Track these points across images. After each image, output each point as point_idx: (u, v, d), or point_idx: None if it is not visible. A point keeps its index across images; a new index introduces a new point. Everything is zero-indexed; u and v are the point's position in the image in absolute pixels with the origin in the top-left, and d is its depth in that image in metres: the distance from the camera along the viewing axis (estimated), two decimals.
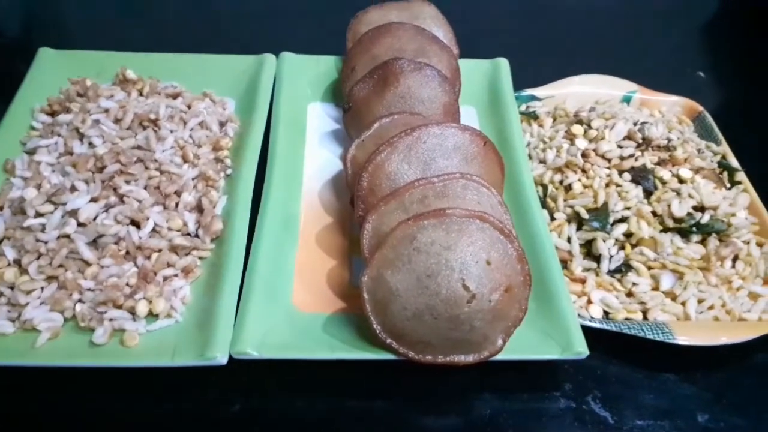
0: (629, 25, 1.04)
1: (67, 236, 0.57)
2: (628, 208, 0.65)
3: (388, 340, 0.52)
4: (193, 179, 0.65)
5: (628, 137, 0.71)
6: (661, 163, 0.69)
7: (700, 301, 0.61)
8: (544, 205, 0.66)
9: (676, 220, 0.64)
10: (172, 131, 0.68)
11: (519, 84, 0.81)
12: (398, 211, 0.55)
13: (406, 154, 0.59)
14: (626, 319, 0.59)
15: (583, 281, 0.62)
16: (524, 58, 0.88)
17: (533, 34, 1.00)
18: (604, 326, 0.57)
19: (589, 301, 0.60)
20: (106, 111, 0.69)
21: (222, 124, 0.72)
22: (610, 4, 1.09)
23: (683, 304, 0.60)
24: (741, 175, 0.72)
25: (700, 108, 0.81)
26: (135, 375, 0.54)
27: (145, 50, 0.80)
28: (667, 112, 0.80)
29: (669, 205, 0.64)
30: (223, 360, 0.51)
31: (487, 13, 1.04)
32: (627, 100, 0.81)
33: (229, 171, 0.68)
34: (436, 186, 0.56)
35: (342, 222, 0.65)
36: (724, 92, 0.92)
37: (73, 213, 0.58)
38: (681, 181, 0.67)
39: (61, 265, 0.56)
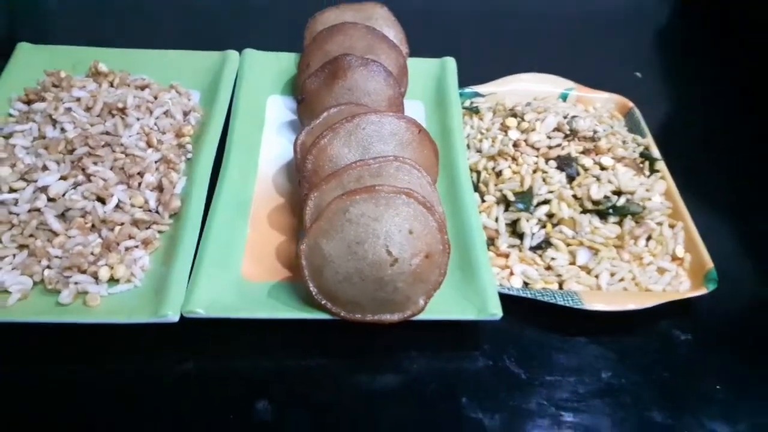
0: (578, 29, 1.11)
1: (38, 210, 0.63)
2: (551, 192, 0.71)
3: (323, 301, 0.58)
4: (156, 162, 0.71)
5: (558, 129, 0.77)
6: (585, 152, 0.75)
7: (612, 275, 0.67)
8: (476, 189, 0.73)
9: (595, 203, 0.70)
10: (138, 119, 0.74)
11: (466, 81, 0.87)
12: (337, 189, 0.62)
13: (347, 139, 0.65)
14: (543, 288, 0.66)
15: (507, 256, 0.68)
16: (474, 57, 0.95)
17: (484, 35, 1.07)
18: (521, 294, 0.63)
19: (512, 273, 0.67)
20: (78, 100, 0.75)
21: (186, 114, 0.79)
22: (567, 9, 1.17)
23: (596, 276, 0.67)
24: (660, 165, 0.78)
25: (631, 104, 0.88)
26: (97, 334, 0.59)
27: (118, 46, 0.86)
28: (600, 108, 0.87)
29: (588, 189, 0.71)
30: (174, 318, 0.57)
31: (441, 14, 1.11)
32: (564, 97, 0.88)
33: (189, 155, 0.74)
34: (372, 167, 0.62)
35: (292, 203, 0.72)
36: (657, 91, 1.00)
37: (44, 189, 0.64)
38: (602, 168, 0.74)
39: (31, 235, 0.62)
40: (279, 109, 0.83)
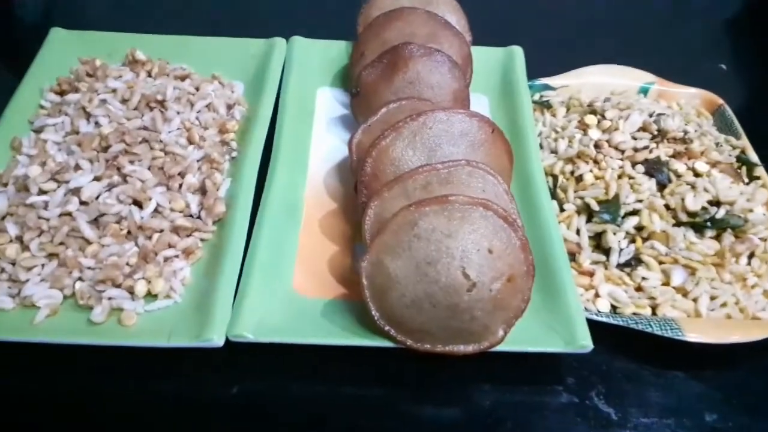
0: (651, 15, 1.01)
1: (69, 214, 0.57)
2: (640, 201, 0.63)
3: (386, 327, 0.51)
4: (197, 161, 0.65)
5: (643, 129, 0.69)
6: (676, 155, 0.67)
7: (712, 298, 0.59)
8: (553, 195, 0.65)
9: (690, 215, 0.62)
10: (178, 113, 0.68)
11: (533, 73, 0.79)
12: (401, 197, 0.54)
13: (411, 139, 0.58)
14: (634, 314, 0.58)
15: (591, 274, 0.60)
16: (540, 46, 0.86)
17: (550, 22, 0.98)
18: (611, 320, 0.55)
19: (597, 295, 0.59)
20: (114, 91, 0.69)
21: (230, 107, 0.72)
22: None
23: (694, 300, 0.58)
24: (760, 170, 0.69)
25: (720, 101, 0.78)
26: (132, 355, 0.53)
27: (156, 32, 0.79)
28: (686, 105, 0.78)
29: (683, 199, 0.62)
30: (219, 342, 0.51)
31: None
32: (644, 91, 0.79)
33: (234, 154, 0.67)
34: (441, 172, 0.54)
35: (346, 208, 0.65)
36: (747, 86, 0.90)
37: (76, 191, 0.58)
38: (696, 174, 0.65)
39: (62, 243, 0.56)
40: (329, 102, 0.76)
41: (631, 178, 0.64)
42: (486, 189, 0.54)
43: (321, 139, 0.71)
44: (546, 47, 0.88)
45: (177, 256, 0.58)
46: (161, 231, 0.58)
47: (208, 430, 0.51)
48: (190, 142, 0.66)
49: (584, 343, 0.51)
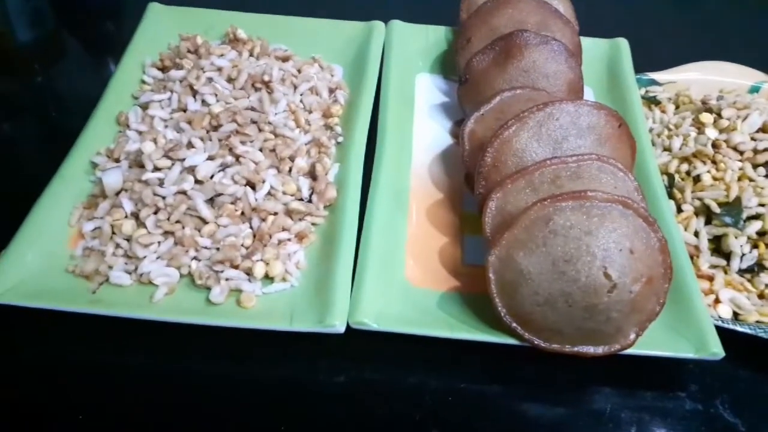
0: (759, 10, 0.97)
1: (185, 193, 0.57)
2: (763, 205, 0.60)
3: (513, 324, 0.49)
4: (306, 144, 0.64)
5: (763, 130, 0.66)
6: None
7: None
8: (670, 195, 0.63)
9: None
10: (284, 94, 0.67)
11: (637, 67, 0.76)
12: (527, 190, 0.53)
13: (537, 130, 0.56)
14: (757, 322, 0.56)
15: (710, 278, 0.58)
16: (640, 39, 0.83)
17: (650, 13, 0.95)
18: (737, 328, 0.53)
19: (717, 300, 0.57)
20: (219, 69, 0.68)
21: (331, 91, 0.71)
22: None
23: None
24: None
25: None
26: (247, 337, 0.53)
27: (253, 11, 0.78)
28: None
29: None
30: (341, 328, 0.50)
31: None
32: (755, 90, 0.76)
33: (340, 139, 0.66)
34: (570, 166, 0.53)
35: (453, 198, 0.63)
36: None
37: (191, 170, 0.58)
38: None
39: (178, 221, 0.56)
40: (429, 89, 0.74)
41: (752, 180, 0.62)
42: (618, 186, 0.53)
43: (423, 127, 0.70)
44: (647, 41, 0.86)
45: (290, 240, 0.57)
46: (275, 214, 0.58)
47: (318, 417, 0.51)
48: (297, 124, 0.65)
49: (716, 350, 0.50)
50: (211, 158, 0.59)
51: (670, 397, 0.52)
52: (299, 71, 0.71)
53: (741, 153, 0.64)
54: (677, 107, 0.72)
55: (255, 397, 0.51)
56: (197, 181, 0.58)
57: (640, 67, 0.77)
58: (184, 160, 0.58)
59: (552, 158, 0.53)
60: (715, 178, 0.63)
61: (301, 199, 0.60)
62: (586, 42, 0.76)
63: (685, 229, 0.61)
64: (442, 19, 0.79)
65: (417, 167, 0.66)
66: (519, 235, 0.49)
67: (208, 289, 0.53)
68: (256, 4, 0.80)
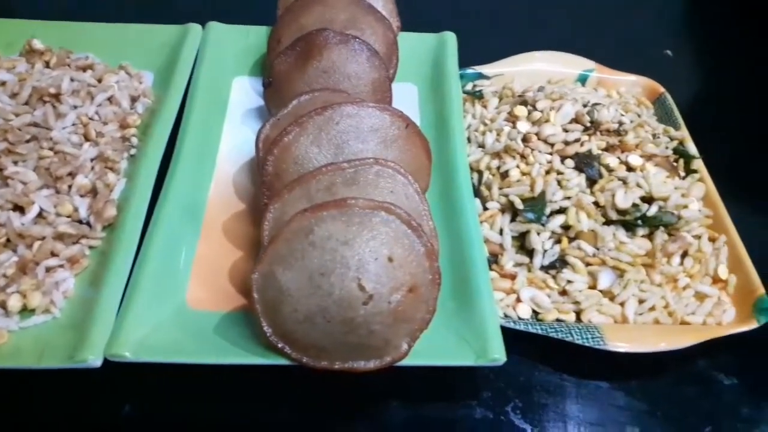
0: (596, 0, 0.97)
1: None
2: (568, 198, 0.59)
3: (280, 344, 0.46)
4: (91, 160, 0.59)
5: (576, 120, 0.65)
6: (609, 149, 0.63)
7: (640, 302, 0.55)
8: (477, 193, 0.61)
9: (620, 212, 0.58)
10: (76, 107, 0.62)
11: (468, 60, 0.75)
12: (303, 199, 0.50)
13: (316, 135, 0.53)
14: (557, 320, 0.54)
15: (513, 277, 0.56)
16: (477, 32, 0.82)
17: (486, 6, 0.93)
18: (528, 329, 0.52)
19: (518, 300, 0.55)
20: (3, 84, 0.63)
21: (134, 100, 0.66)
22: None
23: (622, 304, 0.55)
24: (698, 163, 0.66)
25: (662, 89, 0.75)
26: (8, 374, 0.48)
27: (61, 19, 0.73)
28: (626, 93, 0.74)
29: (613, 195, 0.58)
30: (96, 363, 0.46)
31: None
32: (583, 79, 0.75)
33: (133, 151, 0.62)
34: (346, 172, 0.50)
35: (253, 209, 0.60)
36: (693, 74, 0.86)
37: None
38: (630, 168, 0.62)
39: None
40: (246, 93, 0.71)
41: (559, 173, 0.61)
42: (395, 190, 0.50)
43: (233, 133, 0.66)
44: (484, 34, 0.84)
45: (61, 266, 0.53)
46: (43, 239, 0.53)
47: None
48: (87, 138, 0.61)
49: (497, 356, 0.47)
50: None
51: (461, 405, 0.50)
52: (100, 80, 0.66)
53: (552, 145, 0.63)
54: (500, 100, 0.71)
55: None
56: None
57: (472, 60, 0.75)
58: None
59: (329, 164, 0.51)
60: (523, 173, 0.61)
61: (80, 221, 0.56)
62: (412, 37, 0.74)
63: (491, 227, 0.59)
64: (271, 20, 0.76)
65: (220, 177, 0.62)
66: (280, 250, 0.46)
67: None
68: (68, 13, 0.76)
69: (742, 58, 0.89)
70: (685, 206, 0.60)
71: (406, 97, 0.70)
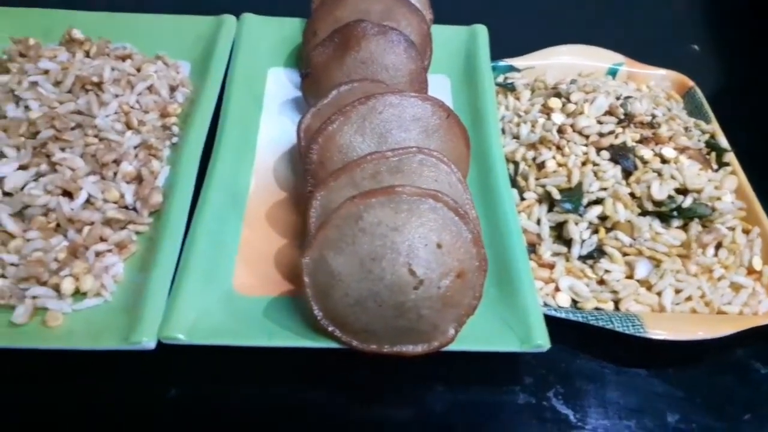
0: None
1: None
2: (604, 189, 0.60)
3: (330, 328, 0.47)
4: (135, 147, 0.60)
5: (609, 112, 0.66)
6: (643, 141, 0.64)
7: (677, 292, 0.56)
8: (514, 183, 0.62)
9: (656, 203, 0.59)
10: (117, 96, 0.63)
11: (499, 53, 0.75)
12: (348, 187, 0.51)
13: (360, 124, 0.54)
14: (596, 309, 0.55)
15: (551, 267, 0.57)
16: (508, 25, 0.83)
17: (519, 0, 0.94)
18: (570, 317, 0.52)
19: (557, 289, 0.56)
20: (46, 72, 0.64)
21: (173, 89, 0.67)
22: None
23: (659, 294, 0.56)
24: (730, 156, 0.67)
25: (691, 83, 0.75)
26: (60, 355, 0.49)
27: (98, 9, 0.74)
28: (655, 87, 0.75)
29: (649, 187, 0.59)
30: (150, 345, 0.47)
31: None
32: (612, 73, 0.76)
33: (175, 140, 0.63)
34: (390, 161, 0.51)
35: (295, 197, 0.61)
36: (719, 68, 0.87)
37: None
38: (664, 161, 0.62)
39: None
40: (281, 83, 0.71)
41: (595, 165, 0.61)
42: (439, 178, 0.51)
43: (271, 123, 0.67)
44: (515, 27, 0.85)
45: (110, 251, 0.54)
46: (92, 224, 0.54)
47: None
48: (129, 126, 0.62)
49: (540, 342, 0.48)
50: (23, 167, 0.55)
51: (504, 391, 0.51)
52: (139, 70, 0.67)
53: (586, 137, 0.64)
54: (533, 93, 0.71)
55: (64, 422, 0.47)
56: (6, 194, 0.54)
57: (507, 53, 0.76)
58: None
59: (373, 153, 0.51)
60: (559, 164, 0.62)
61: (126, 207, 0.57)
62: (445, 30, 0.75)
63: (528, 217, 0.60)
64: (303, 12, 0.77)
65: (260, 166, 0.63)
66: (331, 235, 0.47)
67: (13, 309, 0.49)
68: (105, 2, 0.76)
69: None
70: (719, 198, 0.61)
71: (440, 88, 0.71)
